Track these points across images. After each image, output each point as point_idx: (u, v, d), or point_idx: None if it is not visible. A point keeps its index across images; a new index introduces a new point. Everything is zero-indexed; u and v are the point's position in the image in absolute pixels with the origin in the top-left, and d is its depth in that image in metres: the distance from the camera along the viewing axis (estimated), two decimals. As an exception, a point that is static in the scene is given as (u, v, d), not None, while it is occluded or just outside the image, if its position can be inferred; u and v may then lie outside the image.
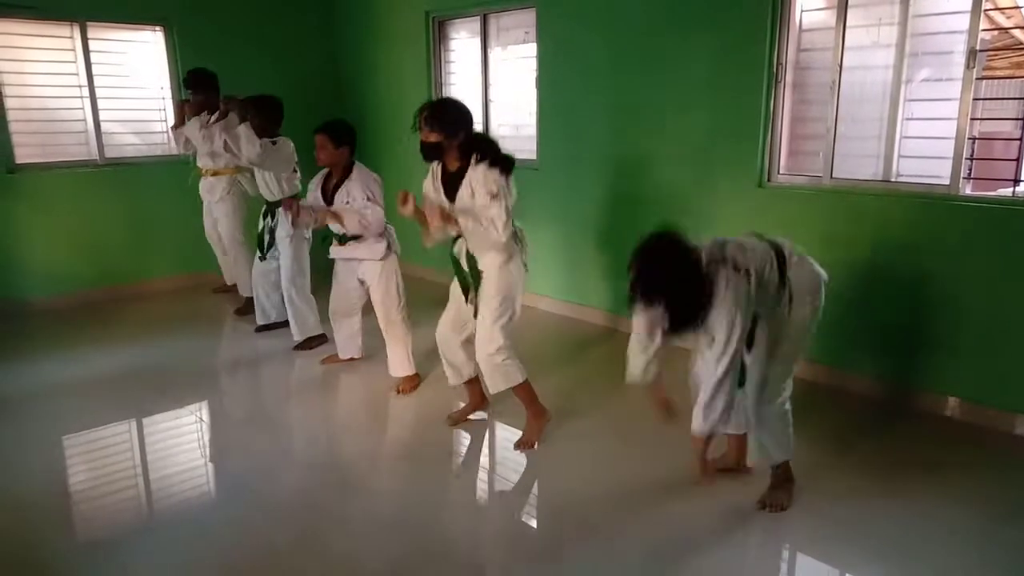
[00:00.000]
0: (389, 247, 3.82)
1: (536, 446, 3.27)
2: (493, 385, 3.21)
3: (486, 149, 3.02)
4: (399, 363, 3.94)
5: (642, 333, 2.65)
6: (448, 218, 3.06)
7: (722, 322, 2.40)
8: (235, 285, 5.53)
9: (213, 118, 4.91)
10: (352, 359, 4.28)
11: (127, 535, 2.70)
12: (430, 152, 3.05)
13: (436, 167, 3.17)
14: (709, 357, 2.50)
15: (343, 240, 3.86)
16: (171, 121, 5.89)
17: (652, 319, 2.54)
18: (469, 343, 3.34)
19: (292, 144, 4.44)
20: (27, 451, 3.34)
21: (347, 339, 4.23)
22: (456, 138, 3.01)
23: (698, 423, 2.52)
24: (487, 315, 3.13)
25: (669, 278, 2.39)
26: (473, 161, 3.00)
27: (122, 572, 2.48)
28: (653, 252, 2.45)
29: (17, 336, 4.91)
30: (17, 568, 2.51)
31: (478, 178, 2.97)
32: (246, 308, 5.20)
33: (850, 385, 3.82)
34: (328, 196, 3.86)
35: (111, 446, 3.50)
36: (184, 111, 5.12)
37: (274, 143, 4.35)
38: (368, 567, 2.49)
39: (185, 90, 5.10)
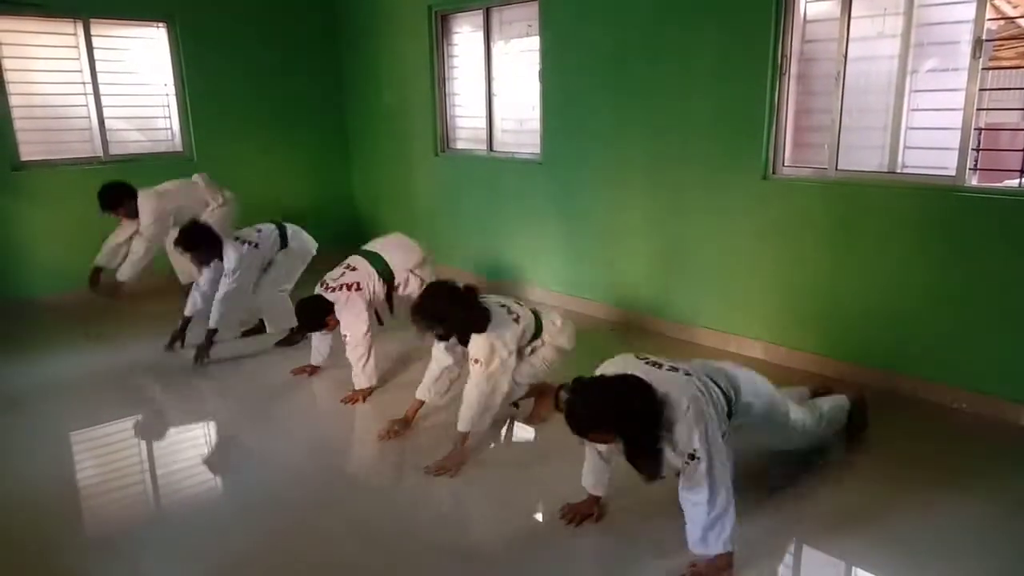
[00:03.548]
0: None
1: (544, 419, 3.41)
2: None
3: (466, 328, 3.10)
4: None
5: (593, 453, 2.56)
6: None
7: (693, 438, 2.19)
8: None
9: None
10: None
11: (135, 530, 2.72)
12: (441, 339, 3.22)
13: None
14: (691, 485, 2.25)
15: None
16: (175, 120, 5.89)
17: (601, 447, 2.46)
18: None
19: (235, 250, 4.25)
20: (35, 447, 3.36)
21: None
22: (447, 323, 3.10)
23: (717, 549, 2.28)
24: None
25: (630, 420, 2.19)
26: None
27: (131, 567, 2.50)
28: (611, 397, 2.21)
29: (23, 334, 4.93)
30: (27, 563, 2.52)
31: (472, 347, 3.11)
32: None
33: (854, 377, 3.81)
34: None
35: (118, 442, 3.52)
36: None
37: (219, 261, 4.27)
38: (374, 561, 2.50)
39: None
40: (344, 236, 6.90)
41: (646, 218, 4.61)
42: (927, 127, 3.58)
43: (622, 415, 2.18)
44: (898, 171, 3.67)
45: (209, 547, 2.59)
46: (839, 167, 3.79)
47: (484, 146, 5.67)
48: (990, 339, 3.38)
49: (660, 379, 2.27)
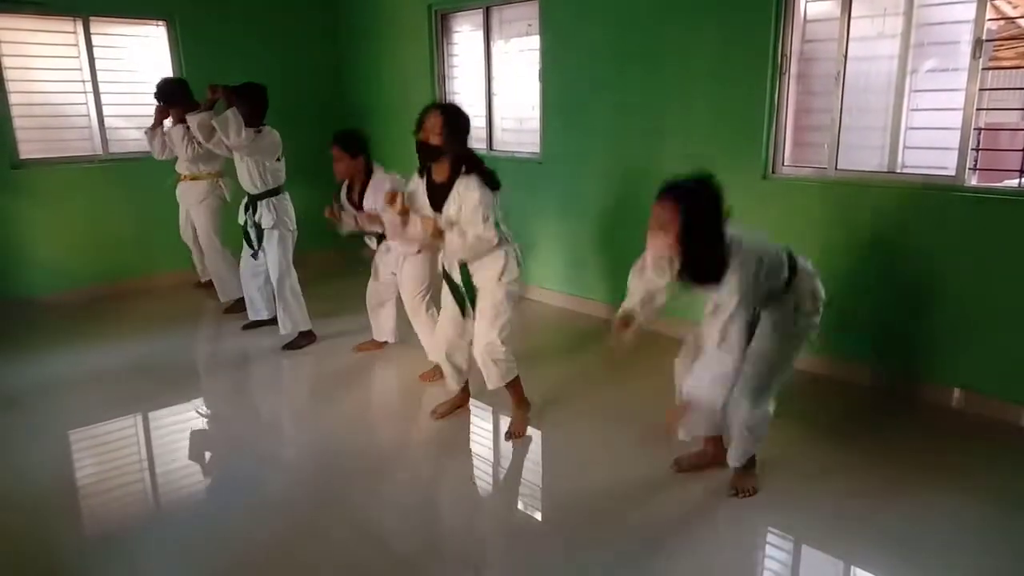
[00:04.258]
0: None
1: (523, 435, 3.34)
2: (491, 381, 3.27)
3: (475, 164, 3.06)
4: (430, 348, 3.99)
5: (652, 259, 2.61)
6: (439, 233, 3.12)
7: (731, 293, 2.35)
8: (211, 282, 5.44)
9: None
10: (387, 343, 4.40)
11: (134, 528, 2.72)
12: (428, 154, 3.06)
13: (421, 180, 3.21)
14: (712, 331, 2.42)
15: (379, 240, 4.00)
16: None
17: (665, 245, 2.48)
18: (470, 344, 3.40)
19: (277, 134, 4.42)
20: (34, 445, 3.36)
21: (382, 324, 4.35)
22: (455, 146, 3.03)
23: (696, 389, 2.47)
24: (486, 322, 3.19)
25: (698, 208, 2.40)
26: (462, 173, 3.04)
27: (130, 565, 2.50)
28: (691, 184, 2.47)
29: (23, 332, 4.92)
30: (25, 562, 2.52)
31: (466, 192, 3.02)
32: (234, 307, 5.21)
33: (855, 377, 3.81)
34: (356, 205, 3.95)
35: (117, 440, 3.52)
36: (163, 115, 5.03)
37: (259, 131, 4.32)
38: (373, 561, 2.49)
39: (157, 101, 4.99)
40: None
41: (646, 218, 4.60)
42: (927, 127, 3.58)
43: (696, 220, 2.40)
44: (898, 171, 3.67)
45: (209, 546, 2.59)
46: (839, 167, 3.79)
47: (484, 145, 5.67)
48: (990, 339, 3.38)
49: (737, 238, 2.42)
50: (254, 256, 4.60)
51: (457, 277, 3.28)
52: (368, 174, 3.92)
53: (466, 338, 3.40)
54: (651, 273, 2.60)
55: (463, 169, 3.04)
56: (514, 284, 3.21)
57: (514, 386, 3.35)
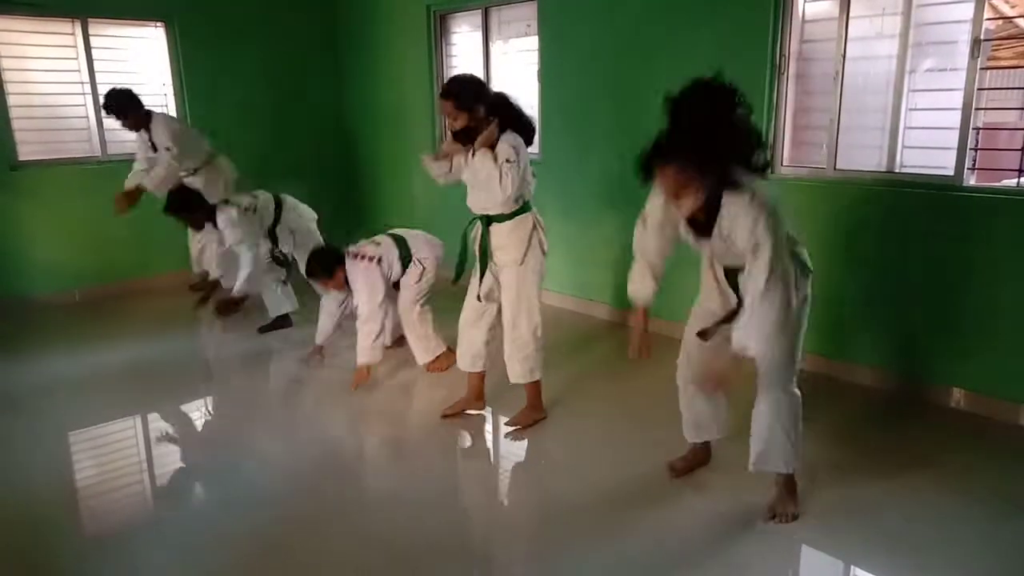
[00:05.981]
0: None
1: (523, 432, 3.34)
2: (512, 375, 3.31)
3: (511, 120, 3.03)
4: (419, 351, 4.03)
5: (643, 260, 2.59)
6: (452, 150, 3.13)
7: (759, 227, 2.20)
8: (205, 274, 5.34)
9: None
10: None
11: (133, 530, 2.72)
12: (467, 137, 3.04)
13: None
14: (754, 274, 2.23)
15: None
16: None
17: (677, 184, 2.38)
18: (490, 330, 3.38)
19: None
20: (33, 447, 3.36)
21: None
22: (485, 113, 3.01)
23: (742, 342, 2.25)
24: (512, 314, 3.22)
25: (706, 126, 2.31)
26: (499, 137, 3.02)
27: (129, 567, 2.50)
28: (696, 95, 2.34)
29: (22, 333, 4.92)
30: (25, 563, 2.52)
31: (499, 145, 3.00)
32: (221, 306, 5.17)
33: (853, 377, 3.81)
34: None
35: (117, 442, 3.52)
36: (135, 125, 4.92)
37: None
38: (374, 560, 2.49)
39: (107, 114, 4.88)
40: (342, 235, 6.95)
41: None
42: (925, 127, 3.58)
43: (710, 143, 2.32)
44: (896, 171, 3.67)
45: (208, 547, 2.59)
46: (837, 167, 3.79)
47: (483, 146, 5.67)
48: (989, 339, 3.38)
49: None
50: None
51: (476, 247, 3.26)
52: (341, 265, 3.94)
53: (483, 320, 3.35)
54: (658, 218, 2.57)
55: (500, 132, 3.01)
56: (540, 263, 3.22)
57: (533, 389, 3.39)
